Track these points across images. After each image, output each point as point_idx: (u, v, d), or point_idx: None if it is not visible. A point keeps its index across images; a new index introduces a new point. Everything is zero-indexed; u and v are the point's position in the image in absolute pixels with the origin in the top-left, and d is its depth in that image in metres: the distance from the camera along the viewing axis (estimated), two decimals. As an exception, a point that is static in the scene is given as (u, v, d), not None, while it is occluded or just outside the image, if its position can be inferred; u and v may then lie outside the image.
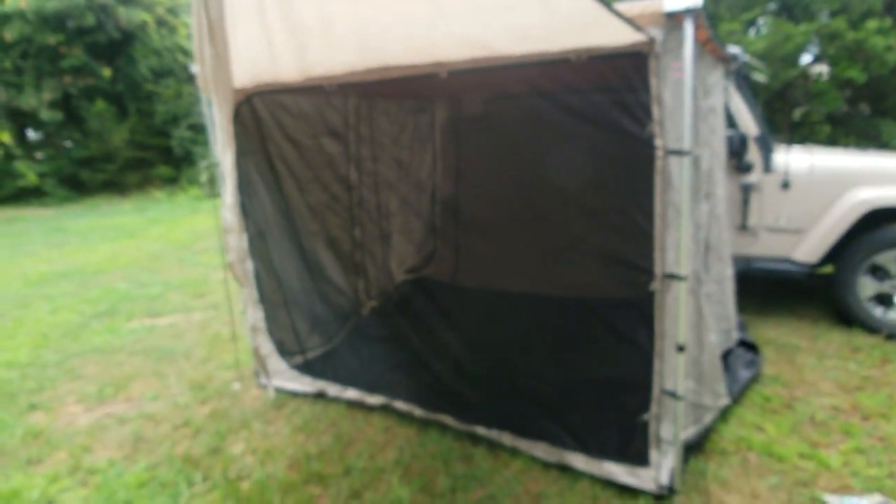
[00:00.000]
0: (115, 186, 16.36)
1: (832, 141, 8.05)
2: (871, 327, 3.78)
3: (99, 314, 5.19)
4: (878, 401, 2.96)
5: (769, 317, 4.24)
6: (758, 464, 2.50)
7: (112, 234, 9.92)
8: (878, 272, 3.77)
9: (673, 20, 1.86)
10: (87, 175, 16.16)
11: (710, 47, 2.65)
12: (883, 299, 3.80)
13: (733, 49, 3.39)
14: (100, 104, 15.81)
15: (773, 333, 3.93)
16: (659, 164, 2.05)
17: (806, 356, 3.56)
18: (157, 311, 5.23)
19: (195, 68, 2.88)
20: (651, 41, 1.92)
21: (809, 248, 3.87)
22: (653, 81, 1.98)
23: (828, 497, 2.26)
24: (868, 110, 8.19)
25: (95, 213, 13.11)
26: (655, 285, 2.14)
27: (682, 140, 1.97)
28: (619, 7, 1.84)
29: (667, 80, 1.98)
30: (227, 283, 3.71)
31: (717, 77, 3.01)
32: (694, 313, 2.30)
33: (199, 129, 15.00)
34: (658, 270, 2.13)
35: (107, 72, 15.95)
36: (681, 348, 2.10)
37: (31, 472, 2.69)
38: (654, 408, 2.26)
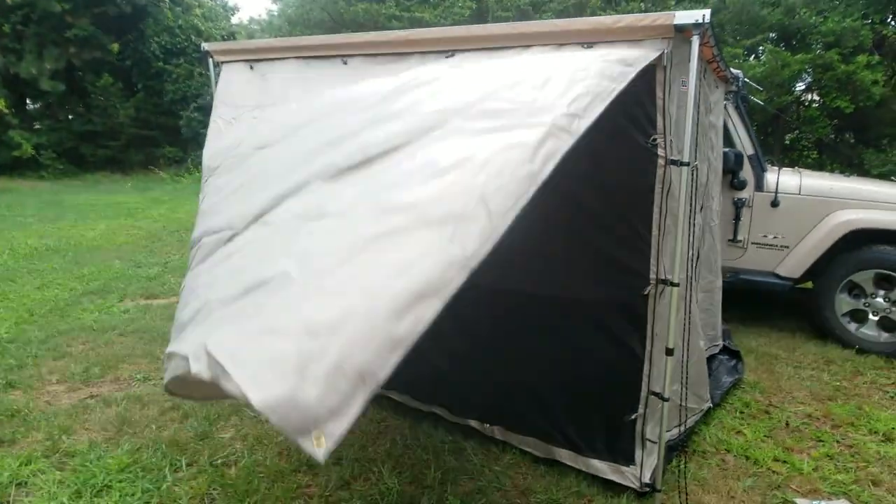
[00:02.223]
0: (117, 164, 15.94)
1: (819, 166, 8.36)
2: (844, 341, 3.94)
3: (90, 292, 5.08)
4: (848, 410, 3.10)
5: (752, 327, 4.39)
6: (735, 465, 2.60)
7: (111, 211, 9.69)
8: (855, 290, 3.93)
9: (682, 34, 1.92)
10: (89, 150, 15.68)
11: (713, 66, 2.74)
12: (857, 316, 3.96)
13: (735, 71, 3.52)
14: (106, 78, 15.36)
15: (755, 343, 4.08)
16: (660, 172, 2.12)
17: (784, 366, 3.70)
18: (153, 292, 5.14)
19: (206, 45, 2.89)
20: (660, 54, 1.99)
21: (793, 264, 4.03)
22: (659, 93, 2.04)
23: (798, 500, 2.36)
24: (852, 139, 8.53)
25: (95, 190, 12.79)
26: (649, 290, 2.22)
27: (683, 151, 2.05)
28: (630, 17, 1.90)
29: (672, 92, 2.05)
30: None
31: (718, 96, 3.12)
32: (684, 319, 2.38)
33: (208, 111, 14.62)
34: (653, 276, 2.21)
35: (115, 46, 15.49)
36: (669, 352, 2.18)
37: (3, 453, 2.60)
38: (641, 408, 2.33)
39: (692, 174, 2.10)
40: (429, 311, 1.19)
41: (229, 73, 2.82)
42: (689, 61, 1.96)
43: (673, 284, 2.13)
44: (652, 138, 2.09)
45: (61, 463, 2.56)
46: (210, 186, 2.29)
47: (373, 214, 1.32)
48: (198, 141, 15.07)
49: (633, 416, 2.34)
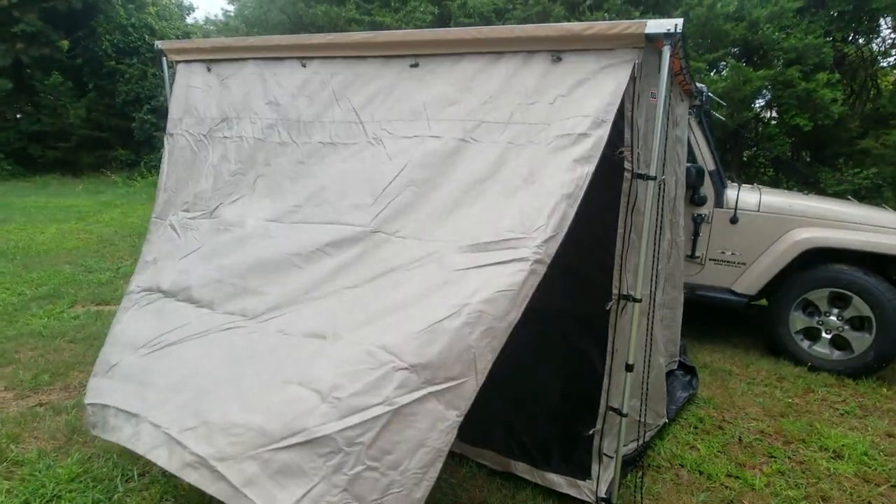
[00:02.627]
0: (67, 166, 15.22)
1: (774, 183, 8.57)
2: (797, 358, 4.03)
3: (39, 297, 4.86)
4: (800, 427, 3.16)
5: (707, 343, 4.46)
6: (689, 481, 2.62)
7: (61, 214, 9.26)
8: (809, 308, 4.02)
9: (652, 44, 1.88)
10: (38, 151, 14.96)
11: (680, 79, 2.75)
12: (810, 333, 4.05)
13: (699, 85, 3.55)
14: (55, 77, 14.59)
15: (710, 358, 4.14)
16: (626, 186, 2.09)
17: (737, 382, 3.76)
18: (104, 298, 4.95)
19: (160, 43, 2.75)
20: (628, 81, 1.94)
21: (750, 281, 4.10)
22: (627, 104, 2.01)
23: (749, 516, 2.39)
24: (809, 157, 8.80)
25: (45, 192, 12.21)
26: (612, 305, 2.19)
27: (650, 165, 2.03)
28: (600, 25, 1.87)
29: (641, 104, 2.03)
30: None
31: (683, 109, 3.14)
32: (645, 335, 2.36)
33: (162, 114, 13.94)
34: (616, 291, 2.18)
35: (65, 43, 14.74)
36: (629, 368, 2.16)
37: (-54, 463, 2.46)
38: (599, 423, 2.31)
39: (659, 188, 2.08)
40: (437, 470, 1.58)
41: (186, 75, 2.68)
42: (660, 72, 1.92)
43: (635, 300, 2.11)
44: (619, 151, 2.06)
45: (9, 472, 2.46)
46: (189, 230, 2.40)
47: (386, 371, 1.59)
48: (151, 144, 14.49)
49: (591, 431, 2.32)
